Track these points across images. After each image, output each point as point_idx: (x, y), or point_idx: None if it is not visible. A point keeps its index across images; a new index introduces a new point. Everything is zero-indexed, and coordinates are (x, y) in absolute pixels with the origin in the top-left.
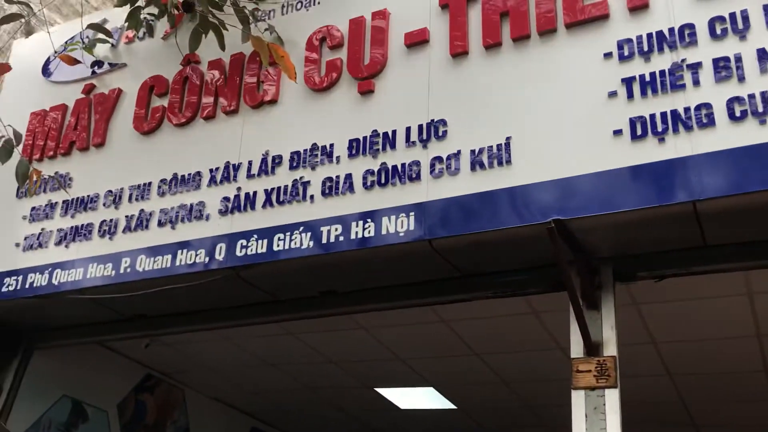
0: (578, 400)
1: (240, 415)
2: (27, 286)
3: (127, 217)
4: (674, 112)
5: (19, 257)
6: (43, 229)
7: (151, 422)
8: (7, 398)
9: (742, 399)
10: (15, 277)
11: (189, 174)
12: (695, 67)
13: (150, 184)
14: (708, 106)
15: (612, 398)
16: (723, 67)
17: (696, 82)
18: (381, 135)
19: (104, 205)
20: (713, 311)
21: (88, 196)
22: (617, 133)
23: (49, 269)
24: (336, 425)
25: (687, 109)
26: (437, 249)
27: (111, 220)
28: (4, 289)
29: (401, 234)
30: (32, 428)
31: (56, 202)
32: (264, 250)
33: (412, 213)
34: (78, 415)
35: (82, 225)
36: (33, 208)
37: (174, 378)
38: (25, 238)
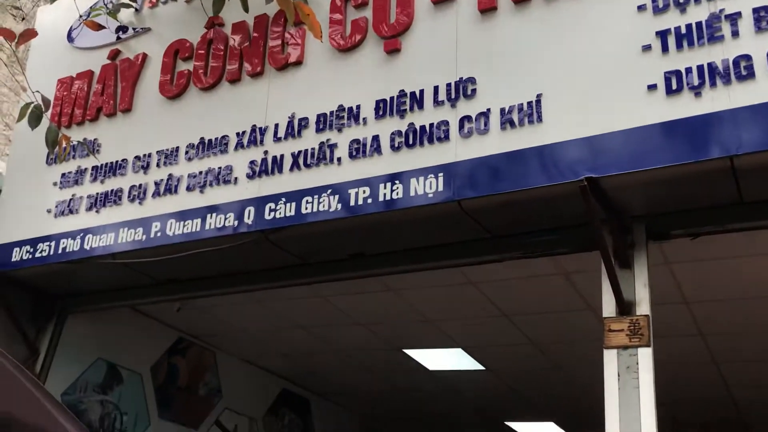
0: (610, 359)
1: (271, 377)
2: (59, 251)
3: (155, 182)
4: (711, 65)
5: (51, 223)
6: (73, 195)
7: (184, 384)
8: (44, 361)
9: None
10: (47, 243)
11: (216, 138)
12: (734, 18)
13: (177, 149)
14: (747, 57)
15: (645, 357)
16: (763, 17)
17: (735, 34)
18: (408, 95)
19: (133, 170)
20: (747, 270)
21: (117, 161)
22: (651, 87)
23: (81, 234)
24: (365, 386)
25: (725, 62)
26: (466, 210)
27: (140, 185)
28: (37, 255)
29: (430, 195)
30: (70, 389)
31: (85, 168)
32: (292, 213)
33: (440, 174)
34: (113, 378)
35: (112, 190)
36: (63, 175)
37: (205, 341)
38: (56, 204)
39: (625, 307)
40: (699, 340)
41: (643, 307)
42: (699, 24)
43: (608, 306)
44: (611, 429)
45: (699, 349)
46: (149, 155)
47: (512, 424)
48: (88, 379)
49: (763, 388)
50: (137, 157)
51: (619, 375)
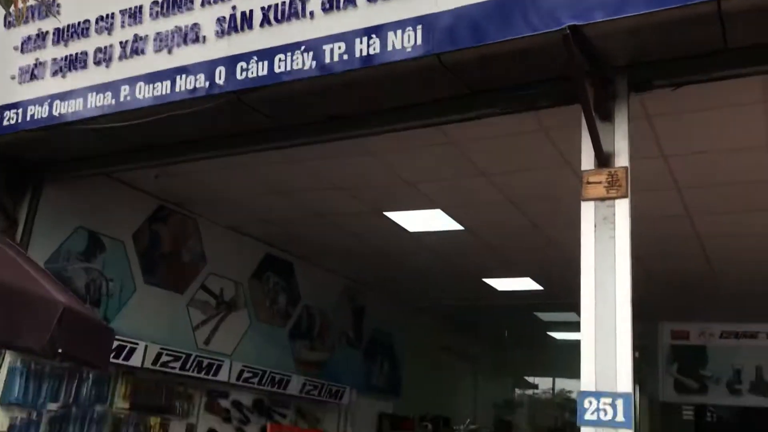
0: (587, 211)
1: (254, 242)
2: (27, 118)
3: (121, 43)
4: None
5: (16, 90)
6: (37, 60)
7: (168, 251)
8: (23, 231)
9: (746, 209)
10: (15, 111)
11: None
12: None
13: (141, 7)
14: None
15: (622, 208)
16: None
17: None
18: None
19: (96, 31)
20: (726, 122)
21: (79, 22)
22: None
23: (48, 101)
24: (347, 249)
25: None
26: (446, 64)
27: (105, 48)
28: (5, 123)
29: (408, 50)
30: (52, 258)
31: (47, 31)
32: (265, 72)
33: (419, 26)
34: (95, 246)
35: (76, 54)
36: (24, 39)
37: (186, 208)
38: (20, 70)
39: (603, 160)
40: (675, 194)
41: (622, 159)
42: None
43: (587, 159)
44: (586, 279)
45: (674, 202)
46: (112, 15)
47: (490, 281)
48: (69, 247)
49: (733, 237)
50: (100, 17)
51: (595, 226)
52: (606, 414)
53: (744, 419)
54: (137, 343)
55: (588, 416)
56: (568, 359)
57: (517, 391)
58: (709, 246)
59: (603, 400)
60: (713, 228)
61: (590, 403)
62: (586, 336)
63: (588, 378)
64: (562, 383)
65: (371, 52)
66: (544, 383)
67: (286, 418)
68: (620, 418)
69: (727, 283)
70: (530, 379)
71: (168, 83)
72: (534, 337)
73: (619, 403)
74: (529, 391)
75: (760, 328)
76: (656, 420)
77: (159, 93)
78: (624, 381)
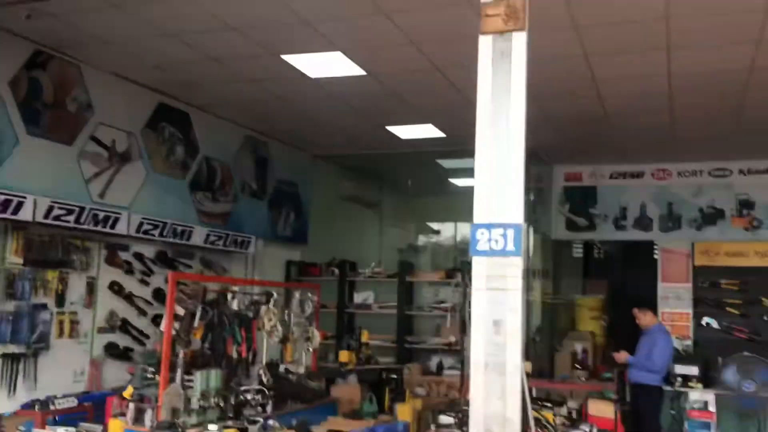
0: (485, 45)
1: (145, 91)
2: None
3: None
4: None
5: None
6: None
7: (50, 100)
8: None
9: (642, 49)
10: None
11: None
12: None
13: None
14: None
15: (519, 42)
16: None
17: None
18: None
19: None
20: None
21: None
22: None
23: None
24: (246, 98)
25: None
26: None
27: None
28: None
29: None
30: None
31: None
32: None
33: None
34: None
35: None
36: None
37: (67, 53)
38: None
39: None
40: (572, 33)
41: None
42: None
43: None
44: (482, 115)
45: (572, 42)
46: None
47: (393, 129)
48: None
49: (627, 81)
50: None
51: (492, 61)
52: (497, 244)
53: (626, 253)
54: (25, 197)
55: (480, 246)
56: (469, 205)
57: (421, 236)
58: (603, 88)
59: (494, 231)
60: (608, 69)
61: (482, 234)
62: (480, 170)
63: (481, 210)
64: (463, 228)
65: None
66: (446, 229)
67: (192, 269)
68: (510, 247)
69: (618, 125)
70: (433, 225)
71: None
72: (437, 185)
73: (510, 233)
74: (432, 237)
75: (646, 168)
76: (548, 257)
77: None
78: (515, 213)
